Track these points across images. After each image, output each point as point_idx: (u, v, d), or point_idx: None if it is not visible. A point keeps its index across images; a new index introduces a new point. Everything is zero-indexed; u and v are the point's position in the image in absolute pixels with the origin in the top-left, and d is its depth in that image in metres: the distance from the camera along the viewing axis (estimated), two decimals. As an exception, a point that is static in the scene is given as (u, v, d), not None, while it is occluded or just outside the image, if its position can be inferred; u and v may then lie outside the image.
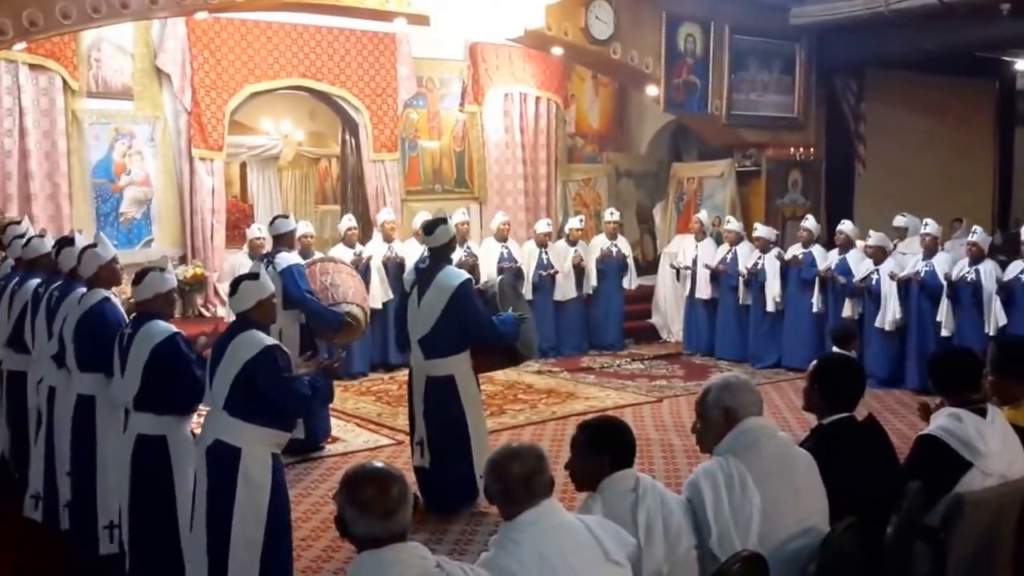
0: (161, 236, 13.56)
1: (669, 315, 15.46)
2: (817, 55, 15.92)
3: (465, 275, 7.76)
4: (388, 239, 13.28)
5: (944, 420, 4.72)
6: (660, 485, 3.95)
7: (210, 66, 13.61)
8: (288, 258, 9.23)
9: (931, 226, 12.14)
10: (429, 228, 7.82)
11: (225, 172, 14.87)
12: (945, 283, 11.60)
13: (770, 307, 13.34)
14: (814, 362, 4.86)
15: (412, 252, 13.20)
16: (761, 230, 13.82)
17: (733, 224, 14.23)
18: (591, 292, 14.59)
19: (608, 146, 18.04)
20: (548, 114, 16.74)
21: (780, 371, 13.08)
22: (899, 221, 13.64)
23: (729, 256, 13.94)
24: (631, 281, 15.03)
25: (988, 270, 11.47)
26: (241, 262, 12.06)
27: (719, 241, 15.45)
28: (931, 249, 12.05)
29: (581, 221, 14.91)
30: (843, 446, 4.48)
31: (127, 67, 13.24)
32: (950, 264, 11.83)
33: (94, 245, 6.84)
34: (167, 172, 13.60)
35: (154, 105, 13.50)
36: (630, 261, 14.94)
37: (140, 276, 5.89)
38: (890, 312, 12.03)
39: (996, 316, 11.18)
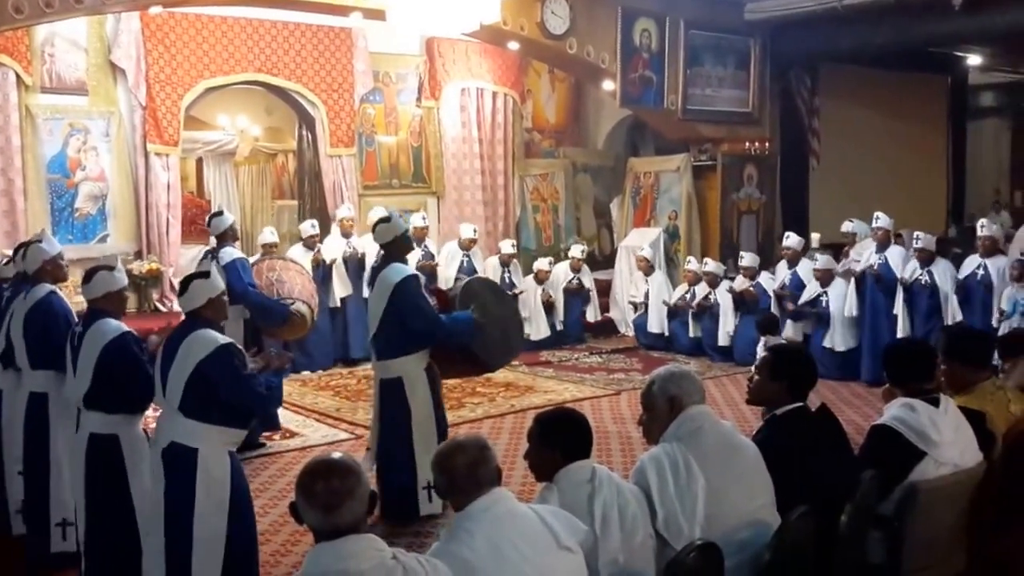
0: (116, 232, 13.44)
1: (627, 309, 15.50)
2: (771, 50, 16.00)
3: (410, 271, 7.54)
4: (346, 235, 13.31)
5: (898, 410, 4.77)
6: (616, 476, 3.98)
7: (165, 61, 13.51)
8: (232, 252, 9.20)
9: (882, 219, 12.21)
10: (375, 226, 7.74)
11: (181, 167, 14.75)
12: (901, 288, 11.70)
13: (723, 340, 13.45)
14: (766, 353, 4.91)
15: (371, 247, 13.23)
16: (711, 265, 13.94)
17: (693, 264, 14.28)
18: (561, 327, 14.71)
19: (565, 141, 18.07)
20: (505, 109, 16.74)
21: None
22: (847, 227, 13.63)
23: (688, 295, 14.05)
24: (595, 314, 15.18)
25: (942, 270, 11.58)
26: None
27: (676, 236, 15.58)
28: (883, 242, 12.14)
29: (550, 263, 14.92)
30: (797, 436, 4.53)
31: (81, 62, 13.11)
32: (903, 258, 11.92)
33: (39, 241, 6.80)
34: (122, 167, 13.48)
35: (108, 100, 13.38)
36: (593, 294, 15.07)
37: (89, 275, 5.84)
38: (839, 334, 12.18)
39: (953, 315, 11.27)
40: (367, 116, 15.49)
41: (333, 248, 13.08)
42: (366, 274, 8.05)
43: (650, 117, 16.18)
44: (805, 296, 12.61)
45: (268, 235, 12.71)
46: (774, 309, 12.74)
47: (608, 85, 14.93)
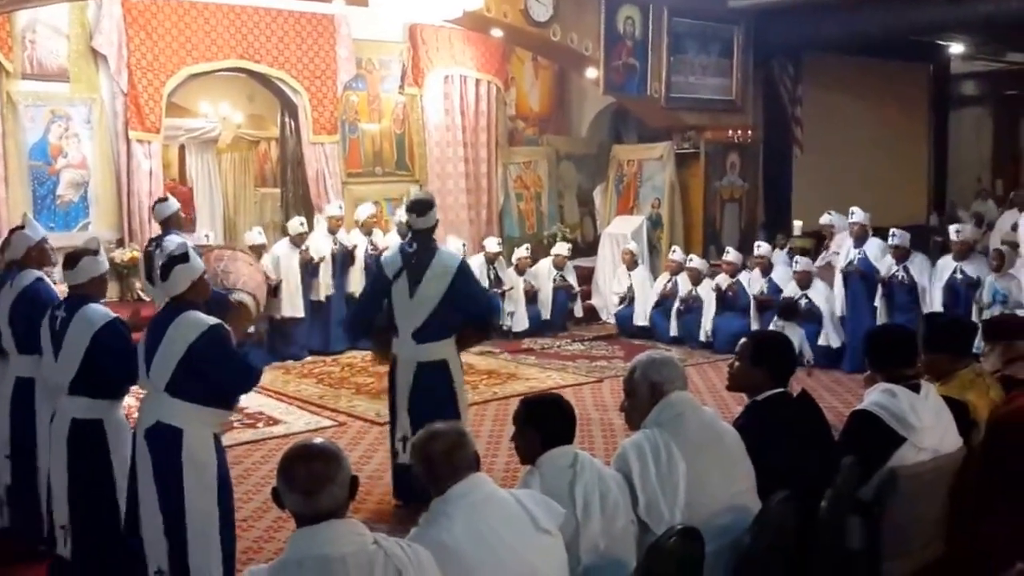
0: (98, 219, 13.37)
1: (609, 297, 15.52)
2: (755, 38, 16.01)
3: (460, 255, 7.65)
4: (333, 231, 13.31)
5: (878, 396, 4.78)
6: (598, 462, 4.00)
7: (147, 47, 13.41)
8: (176, 240, 9.15)
9: (857, 214, 12.27)
10: (421, 209, 7.42)
11: (163, 155, 14.69)
12: (880, 284, 11.79)
13: (702, 337, 13.51)
14: (745, 339, 4.92)
15: (360, 241, 13.34)
16: (696, 261, 13.96)
17: (677, 254, 14.33)
18: (547, 317, 14.70)
19: (548, 129, 18.04)
20: (488, 96, 16.69)
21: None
22: (825, 219, 13.66)
23: (670, 285, 14.12)
24: (578, 310, 15.18)
25: (918, 264, 11.71)
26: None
27: (658, 224, 15.59)
28: (860, 236, 12.22)
29: (527, 249, 14.94)
30: (777, 421, 4.55)
31: (63, 48, 13.03)
32: (882, 249, 11.99)
33: (22, 227, 6.79)
34: (104, 154, 13.42)
35: (90, 87, 13.30)
36: (576, 291, 15.09)
37: (74, 260, 5.81)
38: (831, 330, 12.22)
39: (931, 308, 11.30)
40: (350, 103, 15.42)
41: (320, 244, 13.09)
42: (389, 258, 7.62)
43: (633, 105, 16.18)
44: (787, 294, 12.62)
45: (256, 236, 12.66)
46: (753, 313, 12.83)
47: (591, 73, 14.91)
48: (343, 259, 13.19)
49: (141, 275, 11.34)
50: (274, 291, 12.11)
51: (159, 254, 8.94)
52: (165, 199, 10.14)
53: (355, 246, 13.25)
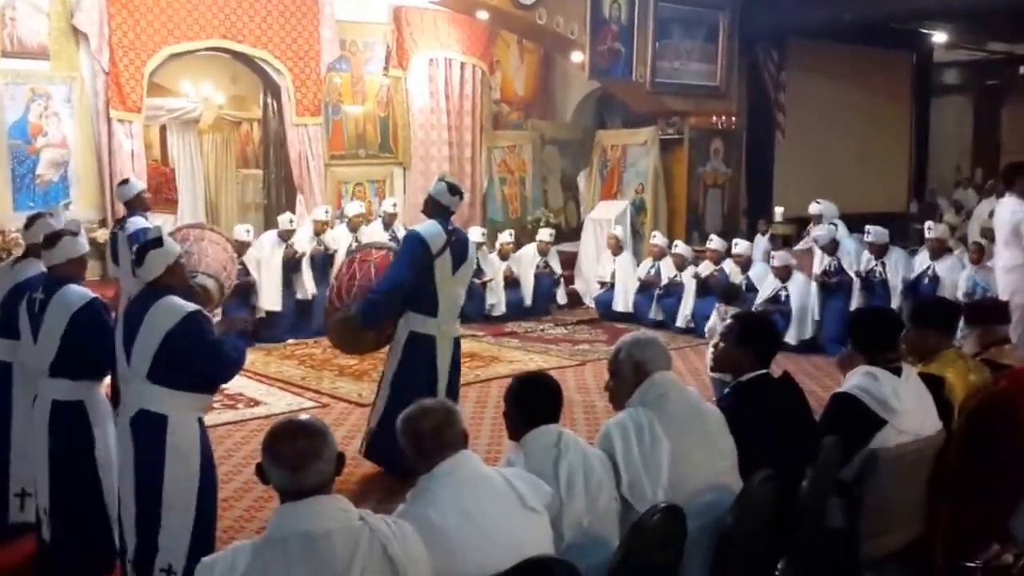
0: (79, 199, 13.28)
1: (592, 281, 15.53)
2: (740, 24, 16.02)
3: None
4: (319, 233, 13.30)
5: (860, 378, 4.82)
6: (583, 441, 4.02)
7: (128, 26, 13.31)
8: (139, 223, 9.07)
9: (821, 237, 12.53)
10: (462, 193, 7.81)
11: (145, 135, 14.60)
12: (857, 279, 11.98)
13: (680, 323, 13.55)
14: (731, 321, 4.94)
15: (343, 241, 13.32)
16: (680, 247, 13.96)
17: (659, 239, 14.37)
18: (529, 304, 14.71)
19: (533, 113, 18.04)
20: (473, 80, 16.65)
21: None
22: (814, 208, 13.75)
23: (653, 270, 14.17)
24: (561, 296, 15.21)
25: (893, 263, 11.88)
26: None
27: (642, 209, 15.60)
28: (831, 250, 12.42)
29: (511, 235, 14.94)
30: (760, 402, 4.57)
31: (43, 26, 12.92)
32: (857, 252, 12.14)
33: (51, 214, 6.76)
34: (85, 134, 13.33)
35: (71, 65, 13.19)
36: (560, 278, 15.11)
37: (53, 240, 5.76)
38: (807, 324, 12.37)
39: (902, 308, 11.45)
40: (333, 85, 15.36)
41: (303, 240, 13.12)
42: (433, 234, 7.55)
43: (618, 89, 16.17)
44: (765, 293, 12.69)
45: (243, 233, 12.57)
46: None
47: (577, 57, 14.90)
48: (323, 260, 13.15)
49: (107, 258, 11.26)
50: (246, 289, 12.14)
51: (123, 236, 8.90)
52: (127, 181, 10.01)
53: (335, 251, 13.18)
